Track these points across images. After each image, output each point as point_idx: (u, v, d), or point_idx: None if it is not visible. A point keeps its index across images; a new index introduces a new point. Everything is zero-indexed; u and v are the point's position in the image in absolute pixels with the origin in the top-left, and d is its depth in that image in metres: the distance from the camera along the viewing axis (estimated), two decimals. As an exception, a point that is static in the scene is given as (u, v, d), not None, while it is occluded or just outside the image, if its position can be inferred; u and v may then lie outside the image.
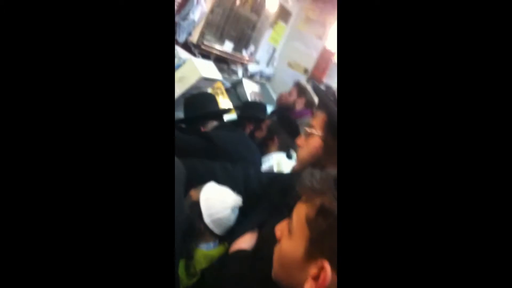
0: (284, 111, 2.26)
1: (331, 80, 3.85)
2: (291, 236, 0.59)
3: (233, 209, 1.05)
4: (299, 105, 2.45)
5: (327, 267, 0.52)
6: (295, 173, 1.13)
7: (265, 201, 1.05)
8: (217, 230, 1.05)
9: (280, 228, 0.63)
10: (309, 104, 2.45)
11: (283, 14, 3.29)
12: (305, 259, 0.56)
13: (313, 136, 1.00)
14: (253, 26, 2.31)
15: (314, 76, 3.69)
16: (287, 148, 1.74)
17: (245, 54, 2.36)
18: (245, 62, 2.52)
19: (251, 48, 2.41)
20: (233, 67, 2.45)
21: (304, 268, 0.56)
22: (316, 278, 0.53)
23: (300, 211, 0.58)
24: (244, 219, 1.06)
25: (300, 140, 1.05)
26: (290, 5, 3.29)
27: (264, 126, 1.80)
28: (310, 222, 0.55)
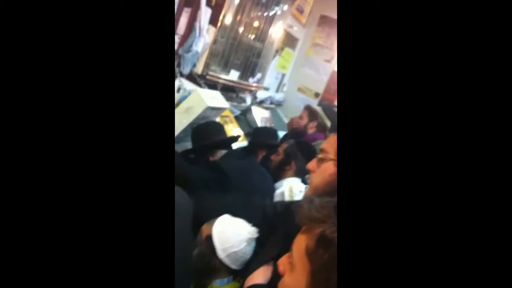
0: (296, 135, 2.22)
1: (343, 102, 3.83)
2: (292, 270, 0.54)
3: (248, 242, 1.00)
4: (311, 128, 2.42)
5: None
6: None
7: (280, 232, 1.00)
8: (233, 265, 0.99)
9: (283, 262, 0.58)
10: (321, 127, 2.42)
11: (290, 40, 3.33)
12: None
13: (326, 162, 0.90)
14: (258, 54, 2.33)
15: (326, 99, 3.68)
16: (304, 173, 1.68)
17: (252, 81, 2.37)
18: (253, 89, 2.53)
19: (258, 75, 2.42)
20: (242, 95, 2.46)
21: None
22: None
23: (300, 243, 0.53)
24: (259, 251, 1.01)
25: (312, 165, 0.95)
26: (296, 31, 3.34)
27: (281, 150, 1.76)
28: (310, 254, 0.51)
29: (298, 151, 1.72)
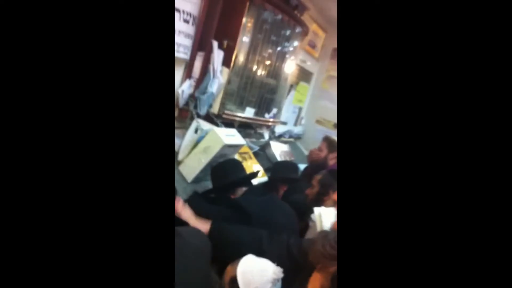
0: (317, 167, 2.19)
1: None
2: None
3: (274, 282, 0.96)
4: (332, 160, 2.38)
5: None
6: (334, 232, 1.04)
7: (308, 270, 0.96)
8: None
9: None
10: (341, 158, 2.38)
11: (304, 74, 3.39)
12: None
13: None
14: (272, 90, 2.37)
15: (345, 129, 3.65)
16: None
17: (268, 117, 2.40)
18: (271, 124, 2.55)
19: (274, 110, 2.45)
20: (260, 130, 2.48)
21: None
22: None
23: (315, 283, 0.50)
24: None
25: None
26: (310, 65, 3.40)
27: (315, 182, 1.72)
28: None
29: (333, 180, 1.68)
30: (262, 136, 2.53)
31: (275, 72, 2.33)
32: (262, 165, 2.21)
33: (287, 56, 2.39)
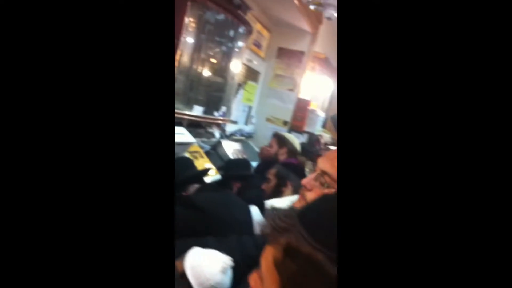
0: (269, 164, 2.23)
1: (312, 128, 3.93)
2: (262, 284, 0.52)
3: (224, 271, 0.97)
4: (282, 155, 2.44)
5: None
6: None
7: None
8: None
9: (254, 278, 0.56)
10: (291, 153, 2.45)
11: (251, 74, 3.44)
12: None
13: (330, 189, 0.85)
14: (220, 89, 2.38)
15: (295, 127, 3.75)
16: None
17: (217, 115, 2.40)
18: (221, 123, 2.56)
19: (223, 109, 2.46)
20: (210, 129, 2.48)
21: None
22: None
23: (268, 255, 0.51)
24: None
25: (309, 183, 0.91)
26: (257, 65, 3.46)
27: (272, 176, 1.75)
28: (278, 266, 0.49)
29: (289, 171, 1.72)
30: (213, 135, 2.53)
31: (221, 71, 2.34)
32: (214, 164, 2.21)
33: (232, 55, 2.42)
